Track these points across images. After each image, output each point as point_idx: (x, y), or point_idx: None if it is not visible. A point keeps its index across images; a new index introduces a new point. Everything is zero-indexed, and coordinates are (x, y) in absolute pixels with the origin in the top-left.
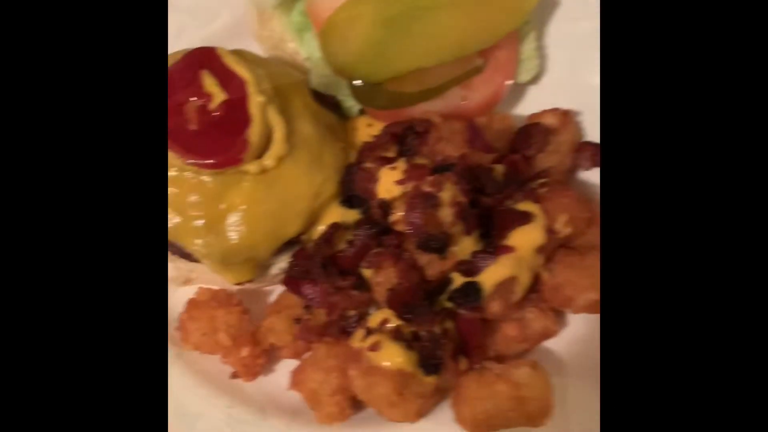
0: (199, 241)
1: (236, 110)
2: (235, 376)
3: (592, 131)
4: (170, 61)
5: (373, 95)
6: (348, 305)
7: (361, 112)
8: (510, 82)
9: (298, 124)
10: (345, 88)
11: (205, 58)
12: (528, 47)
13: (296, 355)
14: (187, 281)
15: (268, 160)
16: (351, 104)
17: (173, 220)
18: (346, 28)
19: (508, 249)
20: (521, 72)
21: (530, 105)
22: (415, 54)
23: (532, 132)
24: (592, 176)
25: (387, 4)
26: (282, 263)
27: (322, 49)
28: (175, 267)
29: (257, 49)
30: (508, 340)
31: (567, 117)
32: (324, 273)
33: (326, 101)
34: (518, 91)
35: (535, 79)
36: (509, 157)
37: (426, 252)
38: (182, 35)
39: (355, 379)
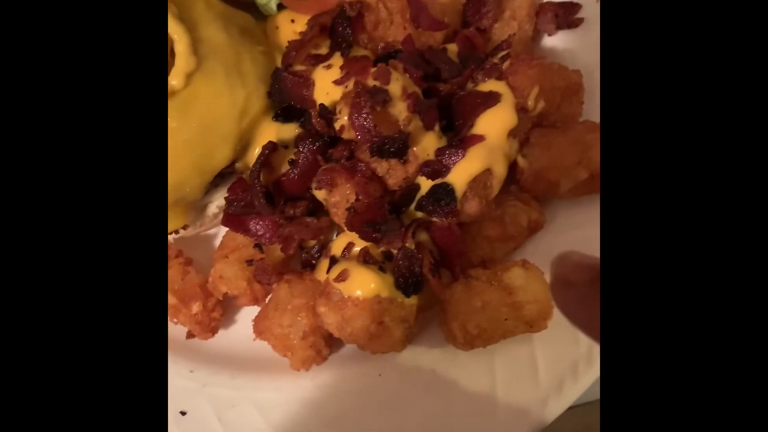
0: None
1: None
2: (190, 336)
3: None
4: None
5: None
6: (305, 235)
7: (280, 8)
8: None
9: (204, 30)
10: None
11: None
12: None
13: (256, 301)
14: None
15: (175, 79)
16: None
17: None
18: None
19: (477, 138)
20: None
21: None
22: None
23: None
24: (557, 41)
25: None
26: (219, 200)
27: None
28: None
29: None
30: (491, 242)
31: None
32: (268, 203)
33: (238, 2)
34: None
35: None
36: (462, 33)
37: (383, 158)
38: None
39: (326, 315)
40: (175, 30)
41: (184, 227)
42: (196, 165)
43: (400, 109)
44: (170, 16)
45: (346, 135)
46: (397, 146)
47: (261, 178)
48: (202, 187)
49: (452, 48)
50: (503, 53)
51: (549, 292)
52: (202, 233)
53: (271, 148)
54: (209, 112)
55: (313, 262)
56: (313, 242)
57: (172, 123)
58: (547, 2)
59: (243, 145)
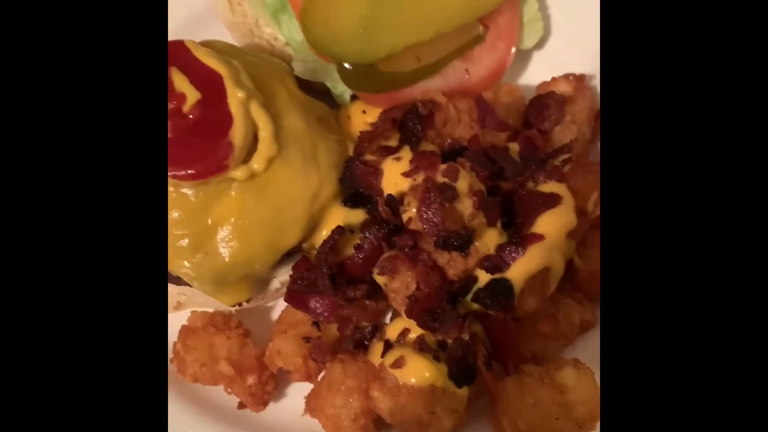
0: (186, 263)
1: (214, 110)
2: (242, 406)
3: None
4: None
5: (365, 78)
6: (363, 318)
7: (353, 98)
8: (514, 49)
9: (286, 118)
10: (333, 72)
11: (172, 53)
12: (530, 9)
13: (309, 378)
14: (177, 306)
15: (257, 163)
16: (342, 90)
17: None
18: (328, 4)
19: (537, 237)
20: (525, 37)
21: (538, 73)
22: (409, 26)
23: (546, 102)
24: None
25: None
26: (282, 276)
27: (303, 30)
28: None
29: (229, 38)
30: (544, 339)
31: (581, 82)
32: (332, 284)
33: (314, 89)
34: (522, 58)
35: (540, 44)
36: (524, 134)
37: (446, 251)
38: None
39: (380, 401)
40: (260, 118)
41: (247, 300)
42: (267, 243)
43: (466, 206)
44: (256, 104)
45: (413, 226)
46: (462, 241)
47: (328, 260)
48: (269, 264)
49: (513, 147)
50: (564, 156)
51: (599, 393)
52: (261, 306)
53: (340, 232)
54: (284, 194)
55: (366, 342)
56: (366, 323)
57: (249, 203)
58: None
59: (312, 227)
